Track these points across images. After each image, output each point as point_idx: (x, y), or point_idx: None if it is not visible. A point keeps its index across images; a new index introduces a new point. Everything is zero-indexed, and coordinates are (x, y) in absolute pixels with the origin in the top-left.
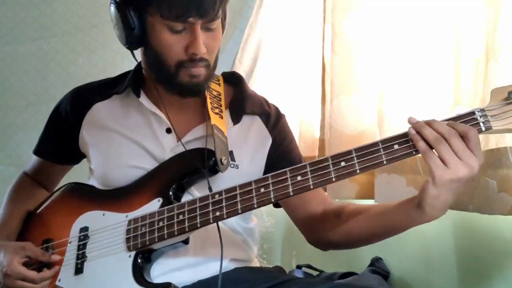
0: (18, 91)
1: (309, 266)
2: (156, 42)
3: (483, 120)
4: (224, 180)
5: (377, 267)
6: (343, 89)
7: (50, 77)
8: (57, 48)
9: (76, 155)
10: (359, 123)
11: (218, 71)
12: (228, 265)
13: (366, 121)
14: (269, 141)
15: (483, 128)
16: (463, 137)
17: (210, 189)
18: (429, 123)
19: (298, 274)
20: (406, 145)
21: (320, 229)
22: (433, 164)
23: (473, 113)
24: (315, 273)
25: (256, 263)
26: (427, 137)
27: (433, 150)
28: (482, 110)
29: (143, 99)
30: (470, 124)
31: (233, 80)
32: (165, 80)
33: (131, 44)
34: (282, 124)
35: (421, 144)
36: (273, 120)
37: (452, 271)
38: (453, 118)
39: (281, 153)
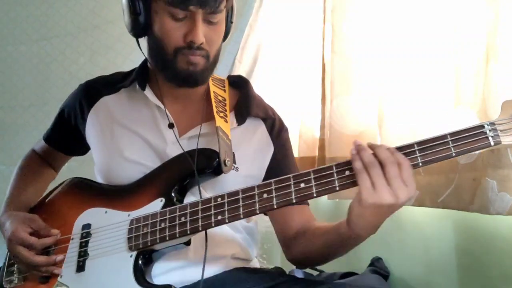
0: (20, 91)
1: None
2: (158, 28)
3: (492, 134)
4: (223, 182)
5: (377, 267)
6: (343, 89)
7: (52, 77)
8: (59, 49)
9: (82, 147)
10: (359, 123)
11: (218, 72)
12: (229, 264)
13: (366, 121)
14: (271, 150)
15: (492, 143)
16: (399, 166)
17: (200, 195)
18: (371, 146)
19: (298, 274)
20: (412, 156)
21: (291, 246)
22: (363, 185)
23: (482, 126)
24: (315, 273)
25: (256, 263)
26: (363, 159)
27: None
28: (492, 123)
29: (148, 92)
30: (478, 138)
31: (239, 83)
32: (164, 67)
33: (136, 30)
34: (286, 139)
35: (357, 164)
36: (277, 130)
37: (452, 271)
38: (461, 131)
39: (280, 169)
